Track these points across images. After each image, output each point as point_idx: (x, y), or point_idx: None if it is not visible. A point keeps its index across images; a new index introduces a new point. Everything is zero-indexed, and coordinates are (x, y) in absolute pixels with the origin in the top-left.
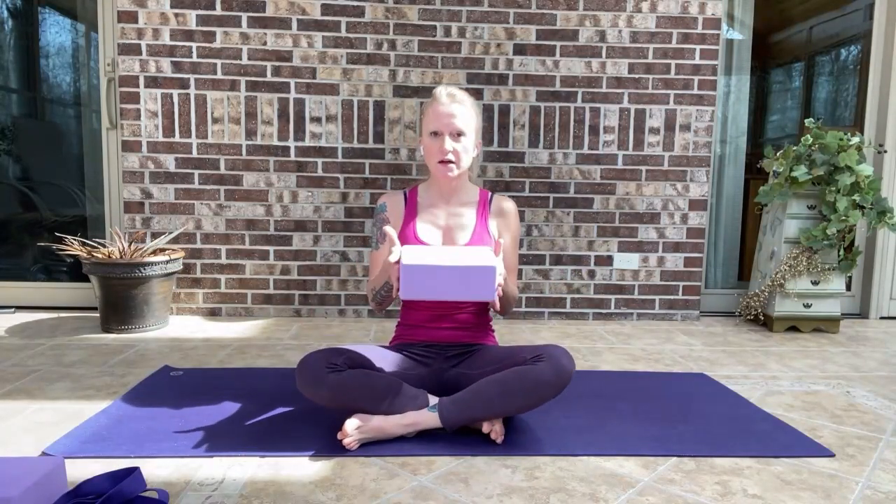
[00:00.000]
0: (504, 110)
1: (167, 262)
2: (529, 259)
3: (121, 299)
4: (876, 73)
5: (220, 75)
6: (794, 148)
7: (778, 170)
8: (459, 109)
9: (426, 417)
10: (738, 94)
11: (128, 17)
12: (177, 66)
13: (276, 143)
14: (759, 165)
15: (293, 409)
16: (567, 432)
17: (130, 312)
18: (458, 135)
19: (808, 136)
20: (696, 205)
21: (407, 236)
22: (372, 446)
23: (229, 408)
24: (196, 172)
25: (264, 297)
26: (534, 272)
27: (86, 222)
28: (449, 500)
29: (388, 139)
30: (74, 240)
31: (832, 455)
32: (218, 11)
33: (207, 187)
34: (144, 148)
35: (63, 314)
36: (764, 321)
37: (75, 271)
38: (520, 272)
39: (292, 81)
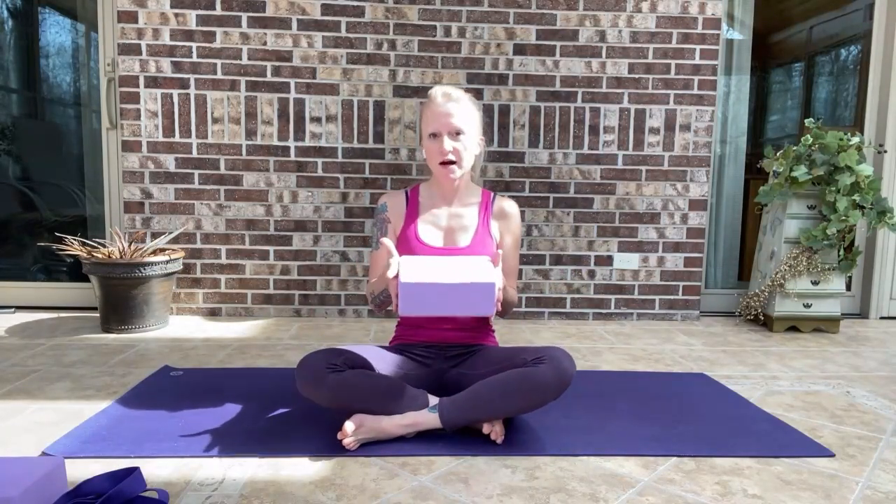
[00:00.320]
0: (504, 110)
1: (167, 262)
2: (529, 259)
3: (121, 299)
4: (876, 73)
5: (220, 75)
6: (794, 148)
7: (778, 170)
8: (456, 108)
9: (426, 418)
10: (738, 94)
11: (128, 17)
12: (177, 66)
13: (276, 143)
14: (759, 165)
15: (293, 409)
16: (567, 432)
17: (130, 312)
18: (456, 133)
19: (808, 136)
20: (696, 205)
21: (408, 237)
22: (372, 446)
23: (229, 408)
24: (196, 172)
25: (264, 297)
26: (534, 272)
27: (86, 222)
28: (449, 500)
29: (388, 139)
30: (74, 240)
31: (832, 455)
32: (218, 11)
33: (207, 187)
34: (144, 148)
35: (63, 314)
36: (764, 321)
37: (75, 271)
38: (520, 272)
39: (292, 81)
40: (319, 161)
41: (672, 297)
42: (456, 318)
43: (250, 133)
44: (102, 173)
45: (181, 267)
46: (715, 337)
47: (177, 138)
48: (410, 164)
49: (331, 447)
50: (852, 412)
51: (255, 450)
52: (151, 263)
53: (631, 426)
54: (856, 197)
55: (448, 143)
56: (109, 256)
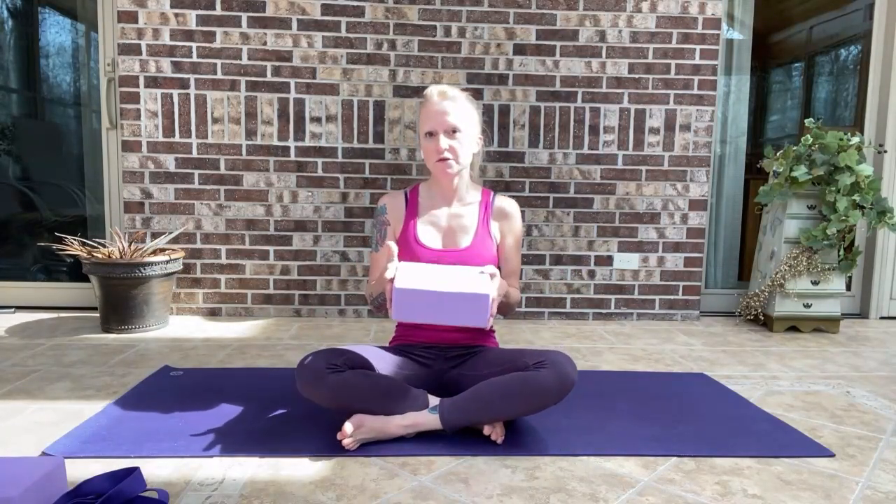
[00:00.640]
0: (504, 110)
1: (167, 262)
2: (529, 259)
3: (121, 299)
4: (876, 73)
5: (220, 75)
6: (794, 148)
7: (778, 170)
8: (451, 106)
9: (427, 419)
10: (738, 94)
11: (128, 17)
12: (177, 66)
13: (276, 143)
14: (759, 165)
15: (293, 409)
16: (567, 432)
17: (130, 312)
18: (452, 131)
19: (808, 136)
20: (696, 205)
21: (407, 238)
22: (372, 446)
23: (229, 408)
24: (196, 172)
25: (264, 297)
26: (534, 272)
27: (86, 222)
28: (449, 500)
29: (388, 139)
30: (74, 240)
31: (832, 455)
32: (218, 11)
33: (207, 187)
34: (144, 148)
35: (63, 314)
36: (764, 321)
37: (75, 271)
38: (520, 272)
39: (292, 81)
40: (319, 161)
41: (672, 297)
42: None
43: (250, 133)
44: (102, 173)
45: (181, 267)
46: (715, 337)
47: (177, 138)
48: (410, 164)
49: (331, 447)
50: (852, 412)
51: (255, 450)
52: (151, 263)
53: (631, 426)
54: (856, 197)
55: (444, 142)
56: (109, 256)
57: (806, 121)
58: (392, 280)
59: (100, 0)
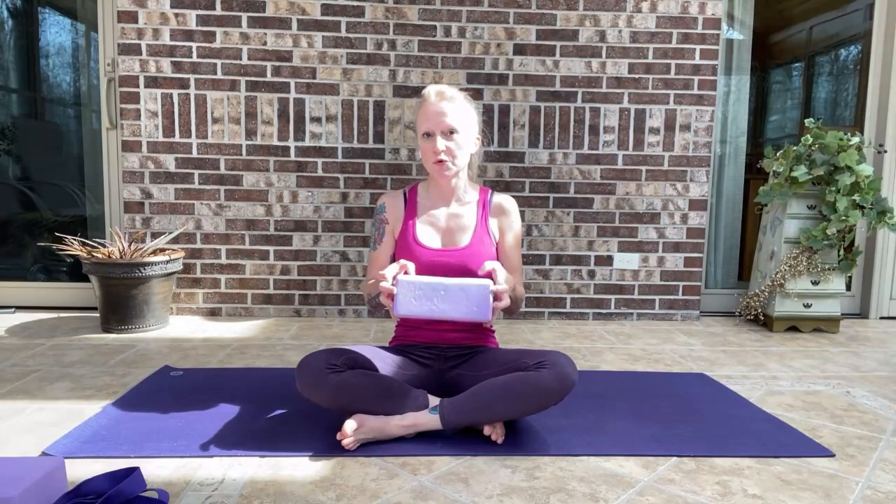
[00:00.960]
0: (504, 110)
1: (167, 262)
2: (529, 259)
3: (121, 299)
4: (876, 73)
5: (220, 75)
6: (794, 148)
7: (778, 170)
8: (449, 107)
9: (427, 419)
10: (738, 94)
11: (128, 17)
12: (177, 66)
13: (276, 143)
14: (759, 165)
15: (293, 409)
16: (567, 432)
17: (130, 312)
18: (450, 132)
19: (808, 136)
20: (696, 205)
21: (406, 238)
22: (372, 446)
23: (229, 408)
24: (196, 172)
25: (264, 297)
26: (534, 272)
27: (86, 222)
28: (449, 500)
29: (388, 139)
30: (74, 240)
31: (832, 455)
32: (218, 11)
33: (207, 187)
34: (144, 148)
35: (63, 314)
36: (764, 321)
37: (75, 271)
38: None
39: (292, 81)
40: (319, 161)
41: (672, 297)
42: (454, 320)
43: (250, 133)
44: (102, 173)
45: (181, 267)
46: (715, 337)
47: (177, 138)
48: (410, 164)
49: (331, 447)
50: (852, 412)
51: (254, 450)
52: (151, 263)
53: (631, 426)
54: (856, 197)
55: (441, 143)
56: (109, 256)
57: (806, 121)
58: (391, 296)
59: (100, 0)
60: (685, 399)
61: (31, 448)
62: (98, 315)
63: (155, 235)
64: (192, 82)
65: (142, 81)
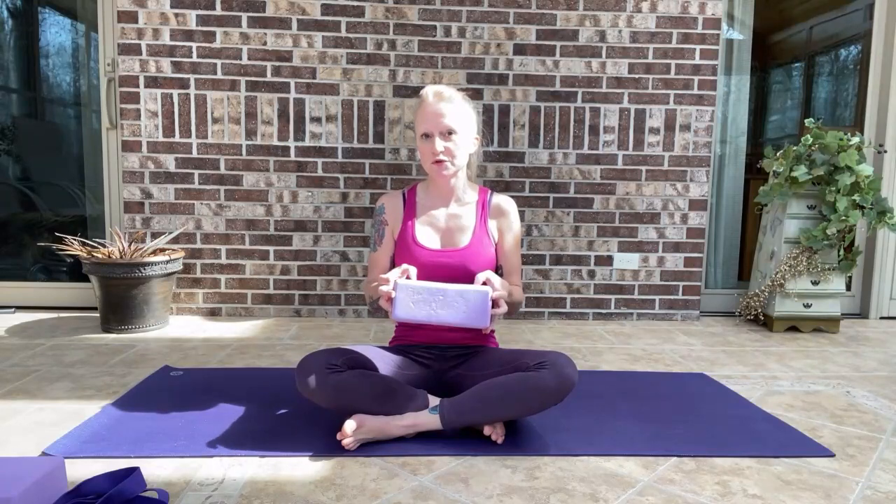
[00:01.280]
0: (504, 110)
1: (167, 262)
2: (529, 259)
3: (121, 299)
4: (876, 73)
5: (220, 75)
6: (794, 148)
7: (778, 170)
8: (447, 107)
9: (427, 419)
10: (738, 94)
11: (128, 17)
12: (177, 66)
13: (276, 143)
14: (759, 165)
15: (293, 409)
16: (567, 432)
17: (130, 312)
18: (448, 133)
19: (808, 136)
20: (696, 205)
21: (406, 238)
22: (372, 446)
23: (229, 408)
24: (196, 172)
25: (264, 297)
26: (534, 272)
27: (86, 222)
28: (449, 500)
29: (388, 139)
30: (74, 240)
31: (832, 455)
32: (218, 11)
33: (207, 187)
34: (144, 148)
35: (63, 314)
36: (764, 321)
37: (75, 271)
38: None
39: (292, 81)
40: (319, 161)
41: (672, 297)
42: (453, 325)
43: (250, 133)
44: (102, 173)
45: (181, 267)
46: (715, 337)
47: (177, 138)
48: (410, 164)
49: (331, 447)
50: (852, 412)
51: (254, 450)
52: (151, 263)
53: (631, 426)
54: (856, 197)
55: (439, 144)
56: (109, 256)
57: (806, 121)
58: (390, 299)
59: (100, 0)
60: (685, 399)
61: (31, 448)
62: (98, 315)
63: (155, 235)
64: (192, 82)
65: (142, 81)
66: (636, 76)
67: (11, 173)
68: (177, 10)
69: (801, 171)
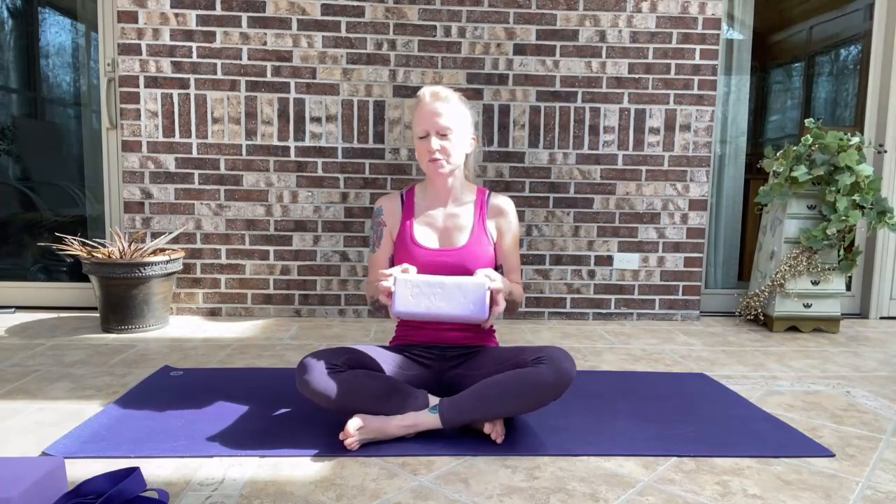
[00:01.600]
0: (504, 110)
1: (167, 262)
2: (529, 259)
3: (121, 299)
4: (876, 73)
5: (220, 75)
6: (794, 148)
7: (778, 170)
8: (444, 107)
9: (427, 419)
10: (738, 94)
11: (128, 17)
12: (177, 66)
13: (276, 143)
14: (759, 165)
15: (293, 409)
16: (567, 432)
17: (130, 312)
18: (444, 133)
19: (808, 136)
20: (696, 205)
21: (404, 239)
22: (372, 446)
23: (229, 408)
24: (196, 172)
25: (264, 297)
26: (534, 272)
27: (86, 222)
28: (449, 500)
29: (388, 139)
30: (74, 240)
31: (832, 455)
32: (218, 11)
33: (207, 187)
34: (144, 148)
35: (63, 314)
36: (764, 321)
37: (75, 271)
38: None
39: (292, 81)
40: (319, 161)
41: (672, 297)
42: (452, 319)
43: (250, 133)
44: (102, 173)
45: (181, 267)
46: (715, 337)
47: (177, 138)
48: (410, 164)
49: (331, 447)
50: (852, 412)
51: (255, 450)
52: (151, 263)
53: (631, 426)
54: (856, 197)
55: (436, 143)
56: (109, 256)
57: (806, 121)
58: (390, 294)
59: (100, 0)
60: (685, 399)
61: (31, 448)
62: (98, 315)
63: (155, 235)
64: (192, 82)
65: (142, 81)
66: (636, 76)
67: (11, 173)
68: (177, 10)
69: (801, 171)
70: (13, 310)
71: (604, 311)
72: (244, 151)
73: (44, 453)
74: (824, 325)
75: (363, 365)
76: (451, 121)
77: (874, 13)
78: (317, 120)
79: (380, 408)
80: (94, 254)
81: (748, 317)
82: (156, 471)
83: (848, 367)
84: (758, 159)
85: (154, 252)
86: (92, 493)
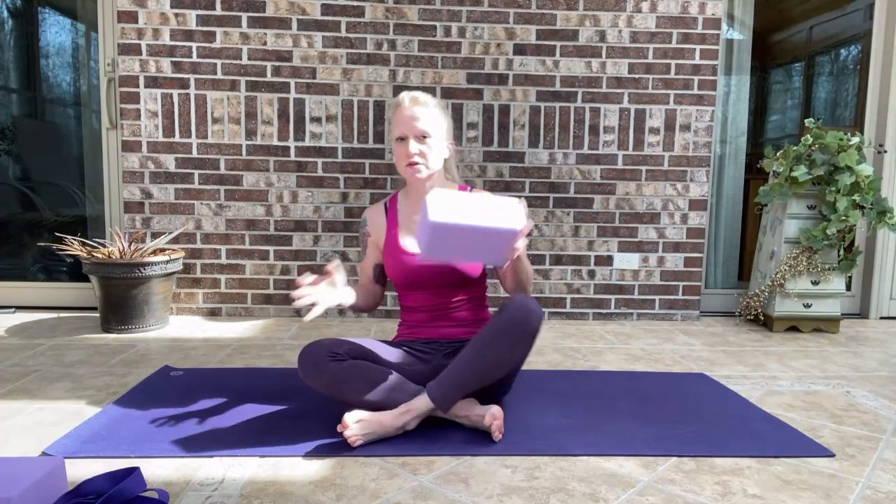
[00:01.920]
0: (504, 110)
1: (167, 262)
2: (529, 259)
3: (121, 299)
4: (876, 73)
5: (220, 75)
6: (794, 148)
7: (778, 170)
8: (422, 111)
9: (418, 402)
10: (738, 94)
11: (128, 17)
12: (177, 66)
13: (276, 143)
14: (759, 165)
15: (293, 409)
16: (567, 432)
17: (130, 312)
18: (422, 136)
19: (808, 136)
20: (696, 205)
21: (391, 247)
22: (372, 446)
23: (229, 408)
24: (196, 172)
25: (264, 297)
26: (534, 272)
27: (86, 222)
28: (449, 500)
29: (388, 139)
30: (74, 240)
31: (832, 455)
32: (218, 11)
33: (207, 187)
34: (144, 148)
35: (63, 314)
36: (764, 321)
37: (75, 271)
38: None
39: (292, 81)
40: (319, 161)
41: (672, 297)
42: (453, 315)
43: (250, 133)
44: (102, 173)
45: (181, 267)
46: (715, 337)
47: (177, 138)
48: None
49: (332, 447)
50: (852, 412)
51: (255, 449)
52: (151, 263)
53: (631, 426)
54: (856, 197)
55: (414, 146)
56: (109, 256)
57: (806, 121)
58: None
59: (100, 0)
60: (685, 399)
61: (31, 448)
62: (98, 315)
63: (155, 235)
64: (192, 82)
65: (142, 81)
66: (636, 76)
67: (11, 173)
68: (177, 10)
69: (801, 171)
70: (13, 310)
71: (604, 311)
72: (244, 151)
73: (44, 453)
74: (824, 325)
75: (364, 356)
76: (429, 125)
77: (874, 13)
78: (317, 120)
79: (376, 398)
80: (94, 254)
81: (748, 317)
82: (156, 471)
83: (848, 367)
84: (758, 159)
85: (154, 252)
86: (92, 493)
